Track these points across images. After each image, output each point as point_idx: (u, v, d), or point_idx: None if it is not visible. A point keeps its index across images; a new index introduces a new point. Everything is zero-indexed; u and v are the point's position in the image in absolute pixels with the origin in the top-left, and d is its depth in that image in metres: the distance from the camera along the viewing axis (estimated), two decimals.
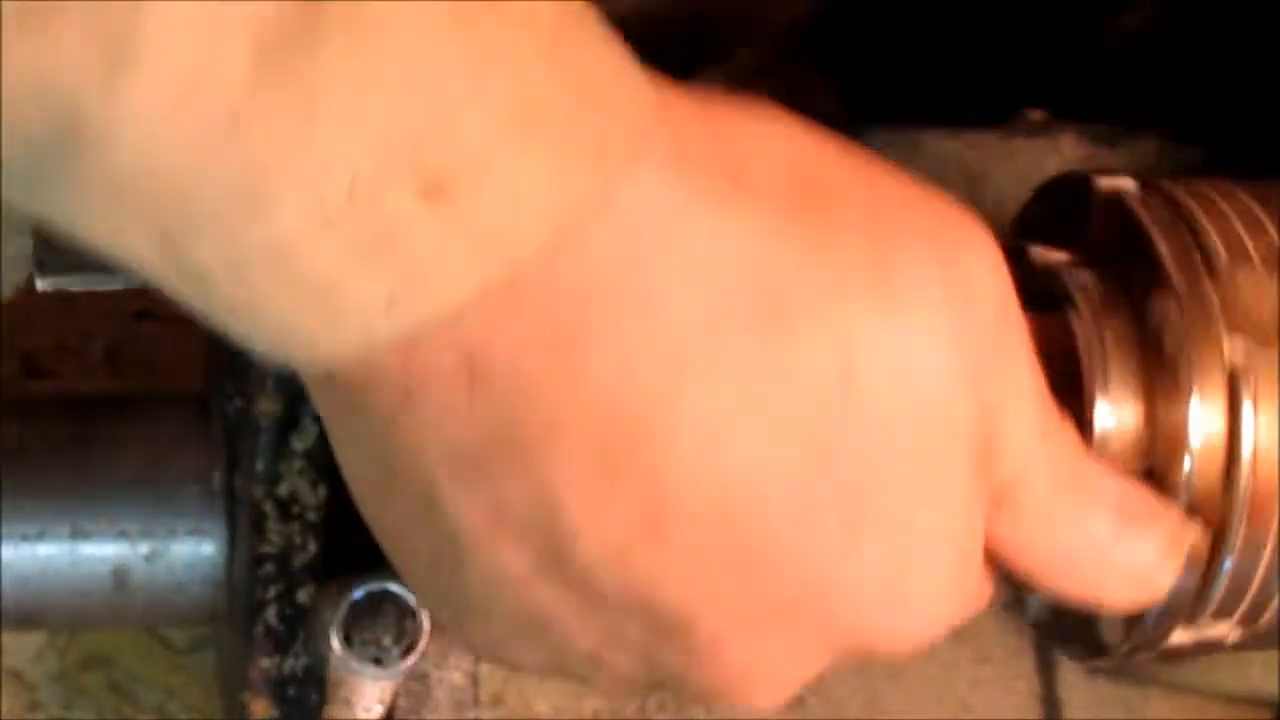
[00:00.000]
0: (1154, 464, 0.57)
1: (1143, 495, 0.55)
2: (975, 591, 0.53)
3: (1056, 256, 0.59)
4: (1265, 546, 0.57)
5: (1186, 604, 0.57)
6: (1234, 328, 0.56)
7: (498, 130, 0.42)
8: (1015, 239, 0.61)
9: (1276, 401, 0.55)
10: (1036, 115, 0.72)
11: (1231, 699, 0.71)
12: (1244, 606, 0.58)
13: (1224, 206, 0.58)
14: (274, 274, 0.42)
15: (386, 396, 0.47)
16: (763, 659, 0.51)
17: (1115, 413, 0.57)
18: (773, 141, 0.49)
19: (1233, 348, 0.55)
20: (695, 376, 0.47)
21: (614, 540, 0.47)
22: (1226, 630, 0.59)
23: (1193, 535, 0.55)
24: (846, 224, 0.49)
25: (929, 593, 0.51)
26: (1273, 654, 0.66)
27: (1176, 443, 0.56)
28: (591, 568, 0.48)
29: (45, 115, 0.39)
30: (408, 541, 0.51)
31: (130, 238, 0.42)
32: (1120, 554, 0.54)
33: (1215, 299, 0.56)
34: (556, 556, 0.48)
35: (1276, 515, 0.56)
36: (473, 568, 0.49)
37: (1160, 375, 0.56)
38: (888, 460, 0.49)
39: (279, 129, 0.40)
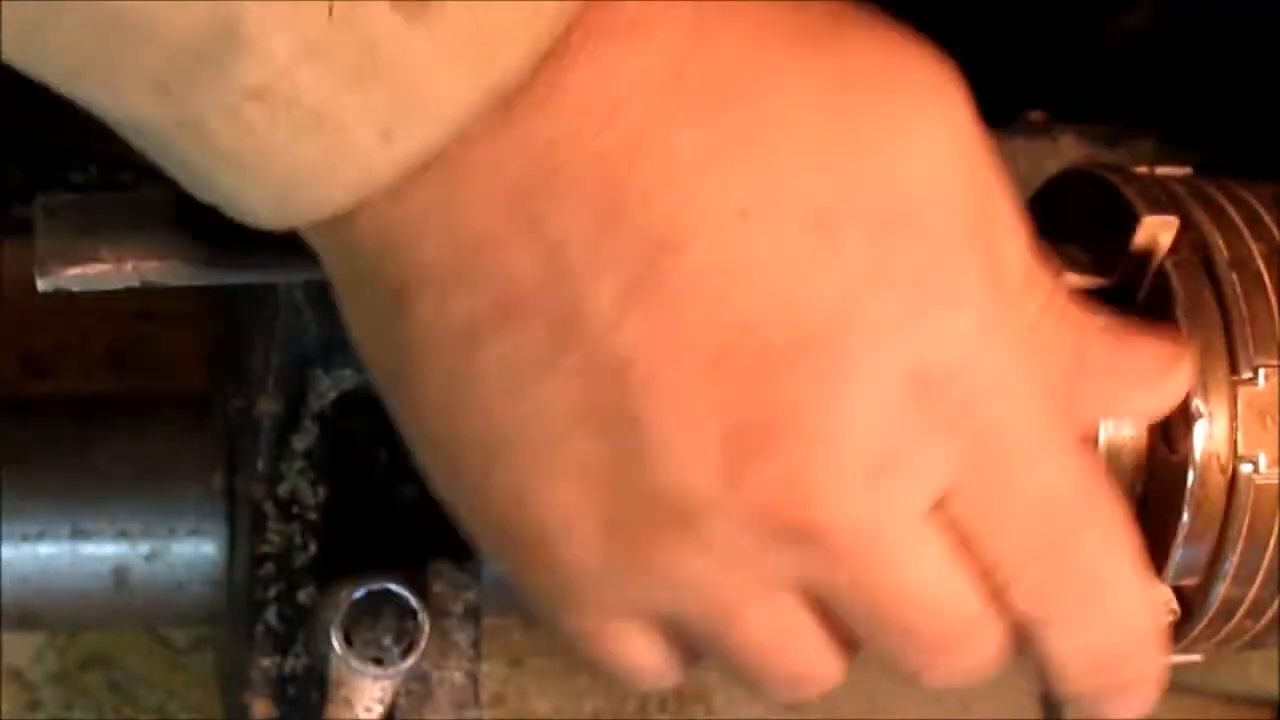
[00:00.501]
0: (1156, 476, 0.57)
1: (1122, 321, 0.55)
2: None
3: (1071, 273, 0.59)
4: (1263, 559, 0.57)
5: (1175, 621, 0.58)
6: (1238, 339, 0.55)
7: None
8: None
9: (1278, 412, 0.55)
10: (1036, 115, 0.72)
11: (1231, 699, 0.71)
12: (1234, 622, 0.58)
13: (1230, 212, 0.57)
14: (269, 115, 0.43)
15: (388, 229, 0.47)
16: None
17: (1119, 423, 0.57)
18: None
19: (1236, 359, 0.55)
20: (688, 125, 0.47)
21: (619, 288, 0.47)
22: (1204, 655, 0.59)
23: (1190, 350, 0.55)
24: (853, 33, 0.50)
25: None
26: (1273, 654, 0.66)
27: (1180, 455, 0.56)
28: (603, 326, 0.47)
29: None
30: (422, 387, 0.50)
31: (129, 92, 0.43)
32: (1126, 360, 0.54)
33: (1217, 309, 0.56)
34: (570, 320, 0.47)
35: (1277, 525, 0.56)
36: (493, 362, 0.48)
37: None
38: (896, 215, 0.48)
39: None
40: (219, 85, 0.43)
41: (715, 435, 0.48)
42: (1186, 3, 0.71)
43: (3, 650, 1.00)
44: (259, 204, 0.46)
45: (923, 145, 0.49)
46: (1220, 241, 0.56)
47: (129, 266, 0.52)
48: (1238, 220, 0.57)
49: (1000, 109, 0.72)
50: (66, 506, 0.71)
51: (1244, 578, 0.57)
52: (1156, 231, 0.56)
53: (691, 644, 0.53)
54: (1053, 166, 0.71)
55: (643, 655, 0.53)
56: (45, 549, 0.70)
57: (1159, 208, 0.57)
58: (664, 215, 0.47)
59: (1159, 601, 0.55)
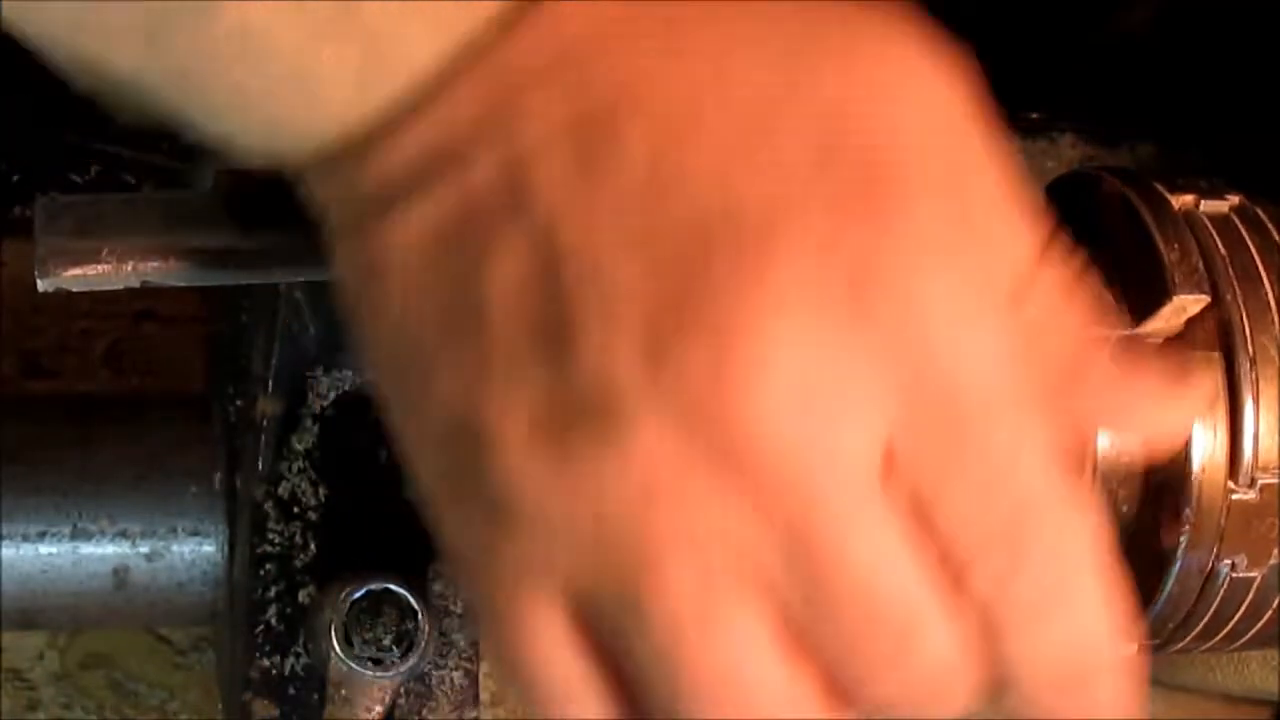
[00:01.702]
0: (1155, 482, 0.57)
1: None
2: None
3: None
4: (1226, 625, 0.57)
5: (1178, 619, 0.58)
6: (1244, 451, 0.55)
7: None
8: None
9: (1277, 415, 0.55)
10: (1036, 115, 0.72)
11: (1231, 699, 0.71)
12: (1236, 619, 0.58)
13: (1265, 288, 0.57)
14: (249, 61, 0.45)
15: (376, 175, 0.47)
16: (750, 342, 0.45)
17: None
18: None
19: (1238, 470, 0.55)
20: (654, 19, 0.47)
21: (564, 168, 0.47)
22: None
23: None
24: None
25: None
26: (1271, 653, 0.66)
27: (1179, 459, 0.56)
28: (548, 207, 0.47)
29: None
30: (384, 292, 0.49)
31: (123, 45, 0.45)
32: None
33: (1227, 415, 0.55)
34: (519, 199, 0.47)
35: (1276, 529, 0.56)
36: (449, 252, 0.47)
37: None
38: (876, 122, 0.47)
39: None
40: (201, 35, 0.45)
41: (639, 315, 0.46)
42: (1186, 3, 0.71)
43: (3, 650, 1.00)
44: (250, 146, 0.48)
45: (891, 73, 0.48)
46: (1247, 332, 0.56)
47: (129, 266, 0.52)
48: (1271, 301, 0.56)
49: (1000, 109, 0.72)
50: (68, 506, 0.71)
51: (1206, 635, 0.58)
52: (1185, 305, 0.56)
53: (604, 639, 0.48)
54: (1053, 166, 0.71)
55: (550, 647, 0.48)
56: (46, 549, 0.70)
57: (1191, 282, 0.56)
58: (614, 90, 0.47)
59: (1122, 624, 0.48)
